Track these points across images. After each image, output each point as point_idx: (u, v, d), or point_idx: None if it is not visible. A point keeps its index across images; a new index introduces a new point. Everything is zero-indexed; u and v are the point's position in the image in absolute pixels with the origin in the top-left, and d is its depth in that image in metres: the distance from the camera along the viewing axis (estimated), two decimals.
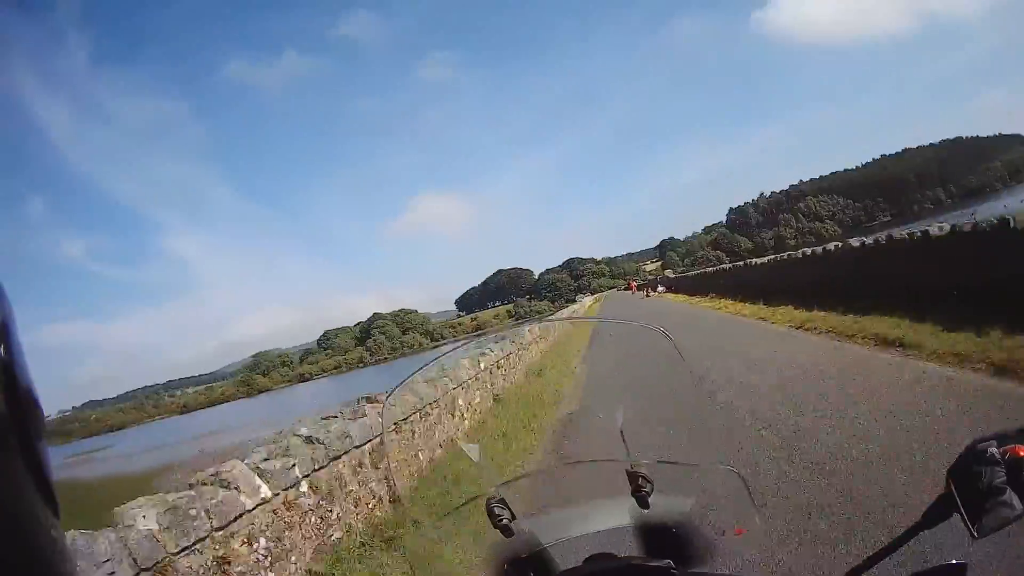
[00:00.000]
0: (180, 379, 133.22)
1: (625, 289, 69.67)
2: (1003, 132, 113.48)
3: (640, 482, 0.81)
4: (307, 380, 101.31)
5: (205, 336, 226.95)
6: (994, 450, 0.60)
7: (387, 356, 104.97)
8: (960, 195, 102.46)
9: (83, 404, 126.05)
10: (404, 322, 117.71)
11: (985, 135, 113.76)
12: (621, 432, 0.90)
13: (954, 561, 0.62)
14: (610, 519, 0.87)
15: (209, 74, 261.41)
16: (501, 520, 0.84)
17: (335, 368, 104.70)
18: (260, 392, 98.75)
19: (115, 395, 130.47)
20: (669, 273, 68.61)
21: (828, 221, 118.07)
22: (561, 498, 0.99)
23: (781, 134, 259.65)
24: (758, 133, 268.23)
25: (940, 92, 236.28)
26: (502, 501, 0.85)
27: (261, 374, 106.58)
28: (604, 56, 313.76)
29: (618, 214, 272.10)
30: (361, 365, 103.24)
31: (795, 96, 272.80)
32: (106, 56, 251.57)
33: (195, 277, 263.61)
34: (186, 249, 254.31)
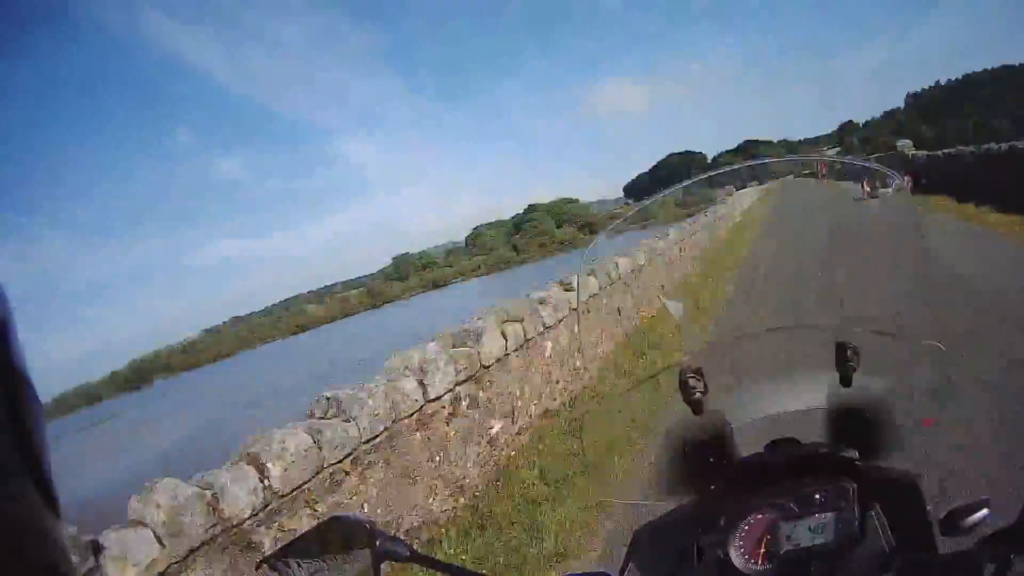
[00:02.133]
0: (345, 281, 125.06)
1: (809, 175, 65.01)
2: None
3: (848, 355, 0.79)
4: (440, 287, 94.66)
5: (378, 237, 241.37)
6: None
7: (534, 254, 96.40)
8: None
9: (230, 319, 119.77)
10: (561, 213, 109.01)
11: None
12: (841, 301, 0.86)
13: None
14: (806, 397, 0.85)
15: None
16: (694, 394, 0.82)
17: (474, 271, 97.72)
18: (386, 303, 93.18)
19: (262, 308, 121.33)
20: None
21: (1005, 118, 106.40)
22: (760, 368, 0.94)
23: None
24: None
25: None
26: (698, 372, 0.83)
27: (399, 279, 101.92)
28: None
29: (795, 98, 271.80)
30: (502, 267, 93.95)
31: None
32: None
33: (371, 181, 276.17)
34: (360, 154, 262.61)
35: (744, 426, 0.84)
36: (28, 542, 0.28)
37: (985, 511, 0.67)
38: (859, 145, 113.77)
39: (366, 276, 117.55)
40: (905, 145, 20.82)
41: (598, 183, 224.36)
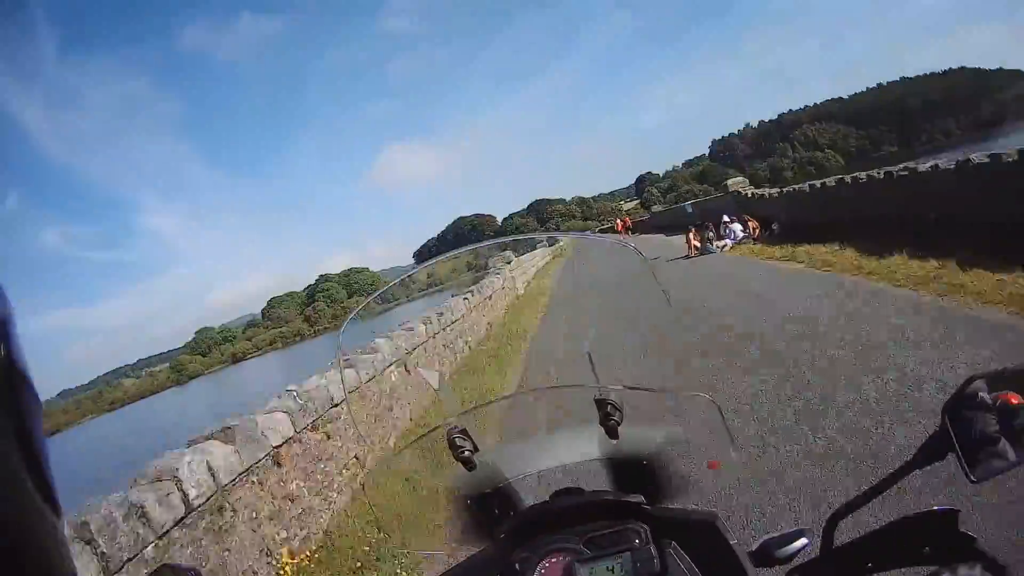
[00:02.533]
0: (153, 355, 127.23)
1: (604, 231, 61.37)
2: (1005, 67, 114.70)
3: (609, 410, 0.83)
4: (240, 360, 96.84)
5: (186, 310, 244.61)
6: (985, 395, 0.60)
7: (328, 325, 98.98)
8: (970, 127, 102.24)
9: (57, 394, 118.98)
10: (352, 283, 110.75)
11: (987, 67, 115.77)
12: (589, 356, 0.91)
13: (936, 507, 0.62)
14: (578, 451, 0.90)
15: (168, 47, 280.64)
16: (463, 452, 0.86)
17: (271, 343, 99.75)
18: (192, 378, 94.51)
19: (87, 380, 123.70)
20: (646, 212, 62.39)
21: (829, 151, 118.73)
22: (526, 428, 1.00)
23: (759, 68, 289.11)
24: (734, 68, 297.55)
25: (923, 26, 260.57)
26: (463, 432, 0.87)
27: (201, 354, 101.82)
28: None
29: (589, 155, 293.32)
30: (298, 339, 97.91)
31: (772, 29, 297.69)
32: (72, 43, 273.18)
33: (174, 252, 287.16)
34: (163, 226, 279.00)
35: (525, 479, 0.89)
36: (28, 542, 0.29)
37: (803, 540, 0.73)
38: (659, 195, 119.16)
39: (176, 349, 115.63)
40: (738, 183, 18.03)
41: (392, 249, 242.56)
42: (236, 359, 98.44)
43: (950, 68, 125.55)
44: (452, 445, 0.87)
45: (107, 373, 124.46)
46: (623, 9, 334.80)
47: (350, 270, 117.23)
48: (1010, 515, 2.06)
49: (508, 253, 17.80)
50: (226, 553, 3.19)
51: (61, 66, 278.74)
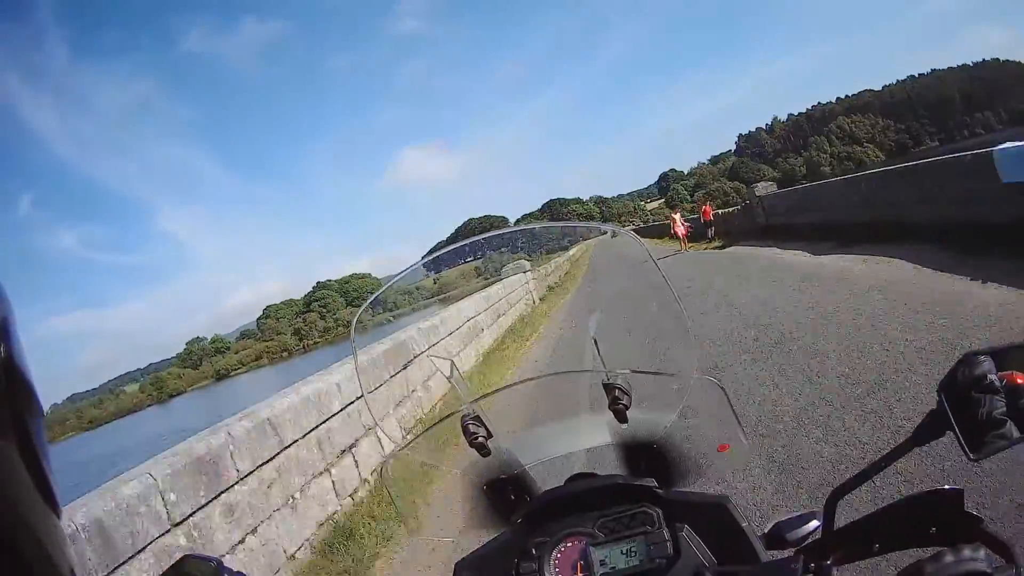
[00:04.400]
0: (163, 360, 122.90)
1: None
2: None
3: (617, 394, 0.87)
4: (225, 377, 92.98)
5: (202, 313, 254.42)
6: (994, 377, 0.61)
7: (318, 340, 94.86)
8: (1011, 119, 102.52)
9: (67, 398, 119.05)
10: (351, 290, 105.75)
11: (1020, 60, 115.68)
12: (594, 341, 0.95)
13: (941, 487, 0.63)
14: (589, 437, 0.96)
15: (176, 50, 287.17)
16: (476, 439, 0.90)
17: (256, 359, 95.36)
18: (173, 396, 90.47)
19: (98, 384, 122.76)
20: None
21: (868, 144, 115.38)
22: (539, 413, 1.06)
23: (787, 65, 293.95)
24: (760, 65, 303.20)
25: (940, 24, 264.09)
26: (477, 418, 0.92)
27: (191, 366, 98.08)
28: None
29: (609, 155, 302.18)
30: (286, 355, 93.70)
31: (800, 24, 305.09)
32: (84, 48, 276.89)
33: (190, 255, 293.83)
34: (179, 229, 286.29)
35: (539, 464, 0.94)
36: (28, 542, 0.29)
37: (814, 523, 0.78)
38: (686, 193, 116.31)
39: (169, 359, 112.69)
40: (767, 187, 17.79)
41: (408, 253, 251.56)
42: (220, 376, 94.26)
43: (984, 60, 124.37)
44: (466, 431, 0.90)
45: (117, 378, 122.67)
46: (643, 9, 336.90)
47: (351, 276, 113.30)
48: (1018, 494, 2.24)
49: (522, 262, 16.53)
50: None
51: (73, 71, 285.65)
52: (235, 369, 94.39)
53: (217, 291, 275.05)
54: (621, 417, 0.87)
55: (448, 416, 0.95)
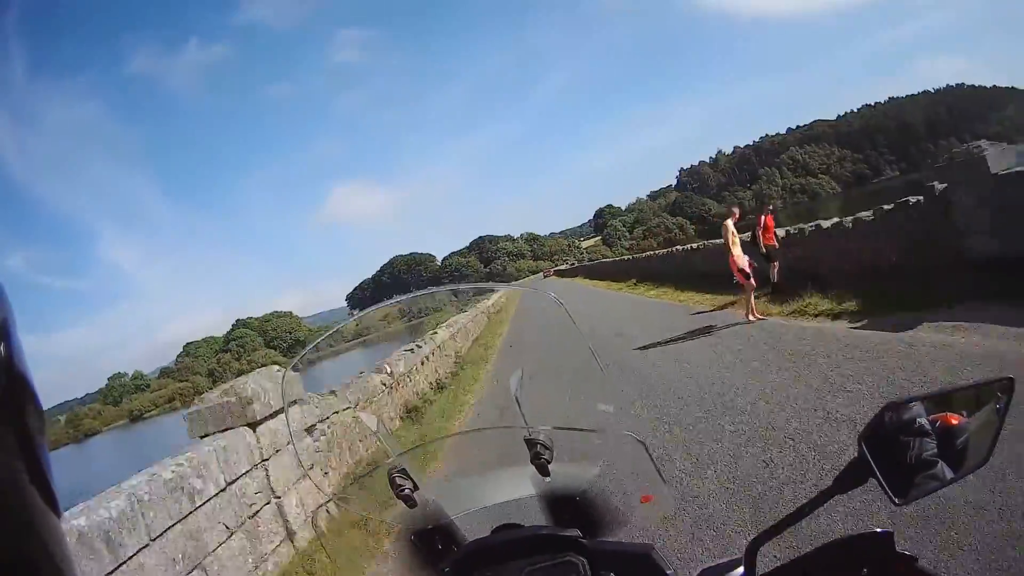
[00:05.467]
0: (96, 390, 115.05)
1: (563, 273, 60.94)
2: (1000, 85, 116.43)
3: (539, 449, 0.92)
4: (139, 419, 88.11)
5: (139, 343, 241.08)
6: (924, 421, 0.65)
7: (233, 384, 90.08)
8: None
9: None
10: (270, 329, 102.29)
11: (986, 85, 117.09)
12: (516, 399, 1.01)
13: (870, 530, 0.65)
14: (514, 489, 0.99)
15: (119, 72, 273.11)
16: (403, 491, 0.95)
17: (169, 402, 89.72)
18: (89, 435, 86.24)
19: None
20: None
21: (822, 176, 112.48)
22: (464, 467, 1.24)
23: (733, 99, 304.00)
24: (704, 98, 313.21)
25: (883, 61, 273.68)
26: (403, 471, 0.97)
27: (112, 403, 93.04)
28: (533, 32, 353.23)
29: (547, 192, 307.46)
30: (169, 407, 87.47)
31: (739, 65, 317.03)
32: (40, 65, 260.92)
33: (131, 283, 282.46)
34: (121, 255, 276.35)
35: (465, 516, 0.98)
36: (29, 543, 0.30)
37: (740, 570, 0.77)
38: (624, 230, 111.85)
39: (91, 394, 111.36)
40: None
41: (335, 288, 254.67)
42: (134, 417, 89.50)
43: (948, 85, 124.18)
44: (393, 484, 0.95)
45: (55, 406, 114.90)
46: (579, 45, 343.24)
47: (272, 315, 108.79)
48: (945, 533, 2.30)
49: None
50: None
51: (29, 88, 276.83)
52: (148, 411, 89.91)
53: (157, 321, 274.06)
54: (543, 471, 0.91)
55: (375, 469, 1.06)
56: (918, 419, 0.64)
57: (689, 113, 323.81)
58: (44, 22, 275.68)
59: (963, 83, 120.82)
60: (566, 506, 0.91)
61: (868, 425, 0.65)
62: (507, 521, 0.94)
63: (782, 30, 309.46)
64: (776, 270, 9.51)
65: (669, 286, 15.76)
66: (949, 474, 0.64)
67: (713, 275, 11.51)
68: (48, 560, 0.31)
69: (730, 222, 8.83)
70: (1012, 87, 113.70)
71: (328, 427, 5.80)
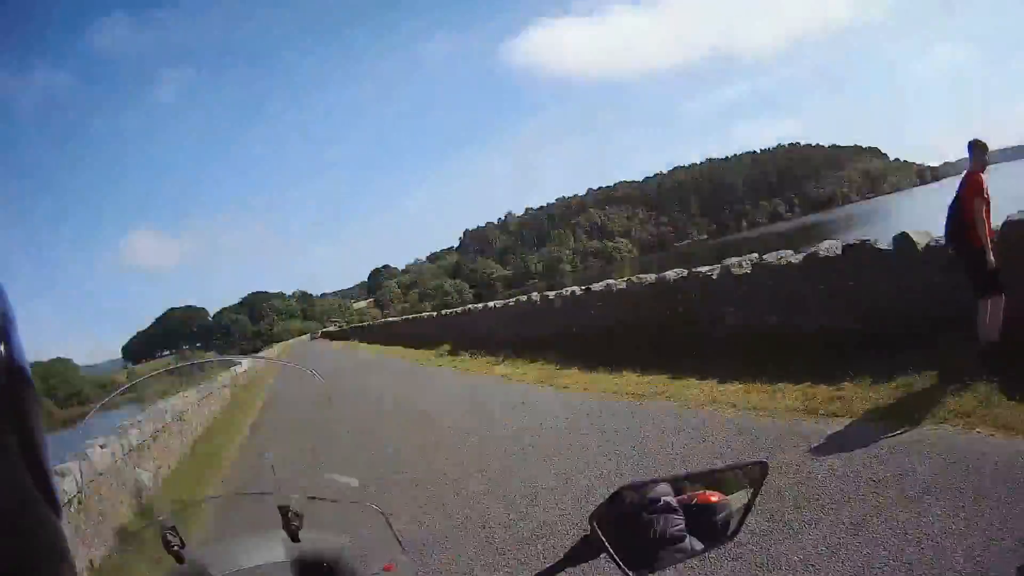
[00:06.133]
0: None
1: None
2: (854, 143, 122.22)
3: (290, 516, 0.94)
4: None
5: None
6: (670, 499, 0.69)
7: None
8: (805, 204, 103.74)
9: None
10: (49, 378, 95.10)
11: (827, 143, 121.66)
12: (272, 467, 1.09)
13: None
14: (269, 552, 0.98)
15: None
16: (173, 547, 0.94)
17: None
18: None
19: None
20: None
21: (621, 239, 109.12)
22: (224, 529, 1.26)
23: (528, 159, 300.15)
24: (497, 157, 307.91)
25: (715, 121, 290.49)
26: (173, 528, 0.96)
27: None
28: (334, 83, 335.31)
29: (321, 252, 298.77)
30: None
31: (549, 124, 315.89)
32: None
33: None
34: None
35: (230, 574, 0.99)
36: (29, 540, 0.30)
37: None
38: (400, 291, 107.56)
39: None
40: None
41: (115, 338, 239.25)
42: None
43: (778, 144, 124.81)
44: (164, 541, 0.97)
45: None
46: (364, 92, 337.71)
47: (53, 359, 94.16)
48: None
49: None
50: None
51: None
52: None
53: None
54: (294, 537, 0.94)
55: (148, 525, 1.06)
56: (664, 497, 0.69)
57: (483, 171, 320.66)
58: None
59: (797, 142, 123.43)
60: (315, 571, 0.93)
61: (600, 506, 0.70)
62: None
63: (594, 91, 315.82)
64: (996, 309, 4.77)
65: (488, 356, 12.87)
66: (698, 546, 0.69)
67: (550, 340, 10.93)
68: (48, 560, 0.31)
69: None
70: (852, 145, 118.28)
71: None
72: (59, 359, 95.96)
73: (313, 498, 1.00)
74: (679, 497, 0.70)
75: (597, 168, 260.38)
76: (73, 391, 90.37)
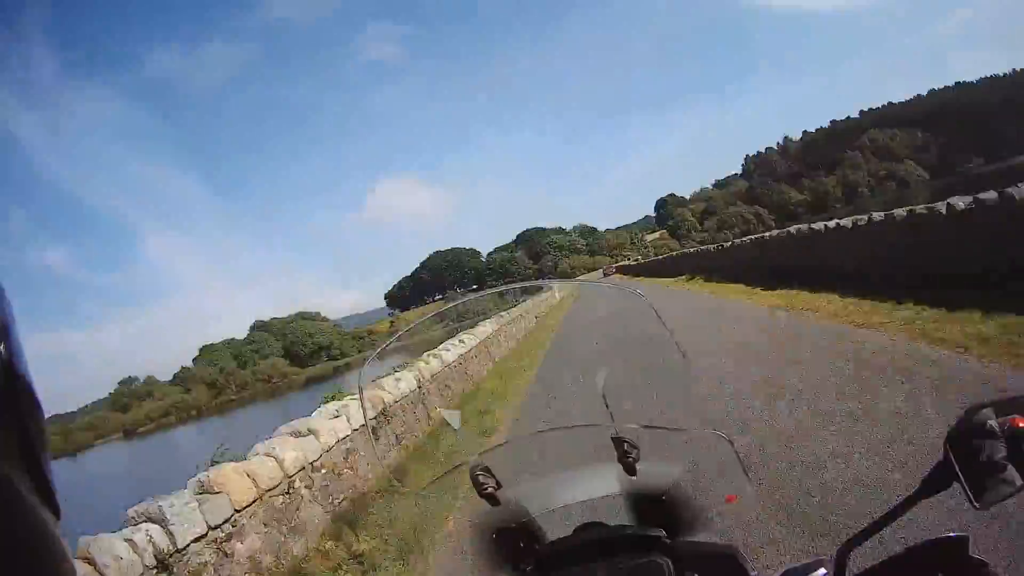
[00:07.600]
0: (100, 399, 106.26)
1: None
2: None
3: (626, 448, 0.93)
4: (132, 434, 78.88)
5: (182, 338, 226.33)
6: (993, 422, 0.65)
7: (234, 398, 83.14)
8: None
9: (49, 417, 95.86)
10: (289, 334, 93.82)
11: None
12: (604, 397, 1.04)
13: (953, 533, 0.67)
14: (598, 487, 1.00)
15: (146, 71, 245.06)
16: (486, 489, 0.96)
17: (163, 416, 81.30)
18: (79, 450, 76.75)
19: (76, 408, 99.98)
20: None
21: (908, 161, 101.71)
22: (547, 465, 1.10)
23: (780, 92, 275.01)
24: (765, 83, 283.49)
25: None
26: (486, 469, 0.97)
27: (120, 410, 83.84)
28: (578, 24, 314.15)
29: (600, 189, 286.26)
30: (194, 414, 79.31)
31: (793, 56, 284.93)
32: (69, 66, 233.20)
33: (173, 278, 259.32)
34: (164, 251, 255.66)
35: (548, 513, 0.97)
36: (28, 542, 0.30)
37: (822, 571, 0.77)
38: (694, 221, 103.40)
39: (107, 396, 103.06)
40: None
41: (377, 287, 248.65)
42: (127, 432, 79.38)
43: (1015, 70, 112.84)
44: (476, 482, 0.97)
45: (94, 402, 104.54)
46: (631, 34, 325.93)
47: (297, 316, 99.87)
48: (1020, 541, 2.38)
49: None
50: None
51: (60, 88, 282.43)
52: (142, 424, 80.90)
53: (200, 318, 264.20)
54: (630, 470, 0.93)
55: (457, 467, 1.05)
56: (988, 421, 0.65)
57: (747, 102, 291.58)
58: (72, 23, 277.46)
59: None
60: (650, 505, 0.92)
61: (951, 428, 0.67)
62: (589, 520, 0.96)
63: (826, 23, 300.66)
64: None
65: None
66: (1018, 480, 0.64)
67: None
68: (48, 561, 0.31)
69: None
70: None
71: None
72: (303, 313, 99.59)
73: (650, 427, 0.95)
74: (999, 420, 0.64)
75: (865, 90, 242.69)
76: (320, 346, 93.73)
